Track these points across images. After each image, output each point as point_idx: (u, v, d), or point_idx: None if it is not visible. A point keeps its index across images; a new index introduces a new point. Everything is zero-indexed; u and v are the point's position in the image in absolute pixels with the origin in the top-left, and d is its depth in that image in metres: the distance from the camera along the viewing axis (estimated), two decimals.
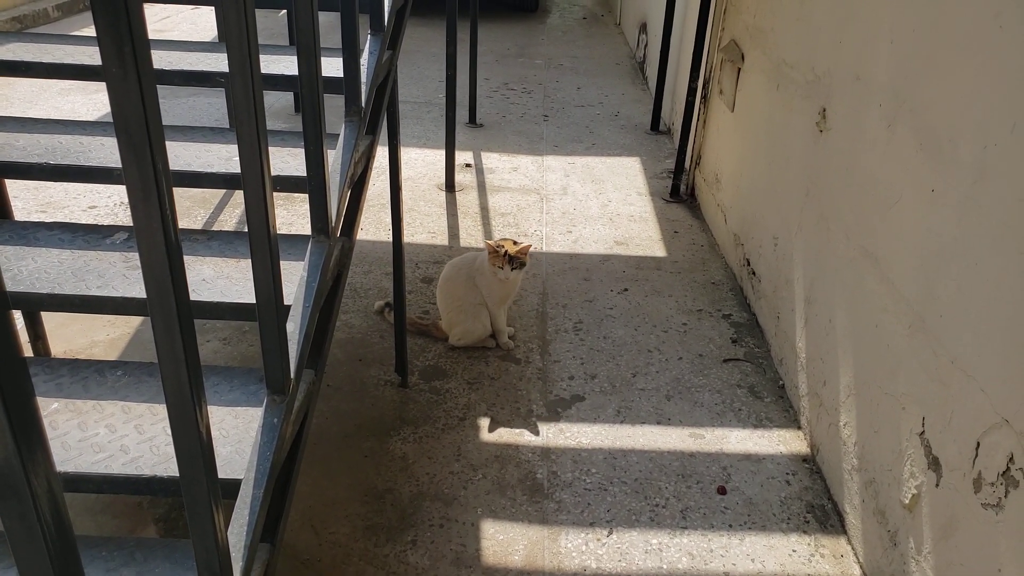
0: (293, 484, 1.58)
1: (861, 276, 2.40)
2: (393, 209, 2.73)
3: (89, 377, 1.60)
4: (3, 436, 0.66)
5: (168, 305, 0.91)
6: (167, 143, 1.87)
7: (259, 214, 1.26)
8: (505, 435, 2.71)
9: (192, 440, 1.05)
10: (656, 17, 6.24)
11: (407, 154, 5.05)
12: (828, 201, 2.69)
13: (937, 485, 1.91)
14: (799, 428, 2.82)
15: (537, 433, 2.72)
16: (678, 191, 4.71)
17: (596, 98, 6.47)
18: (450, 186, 4.61)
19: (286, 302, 1.61)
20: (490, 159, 5.10)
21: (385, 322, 3.27)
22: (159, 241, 0.87)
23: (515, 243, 3.00)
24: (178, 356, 0.96)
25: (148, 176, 0.84)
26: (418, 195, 4.51)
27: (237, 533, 1.31)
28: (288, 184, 1.90)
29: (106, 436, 1.45)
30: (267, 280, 1.39)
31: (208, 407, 1.56)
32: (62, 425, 1.47)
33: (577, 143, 5.47)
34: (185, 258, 1.80)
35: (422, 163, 4.95)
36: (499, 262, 2.94)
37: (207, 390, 1.60)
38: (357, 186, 2.12)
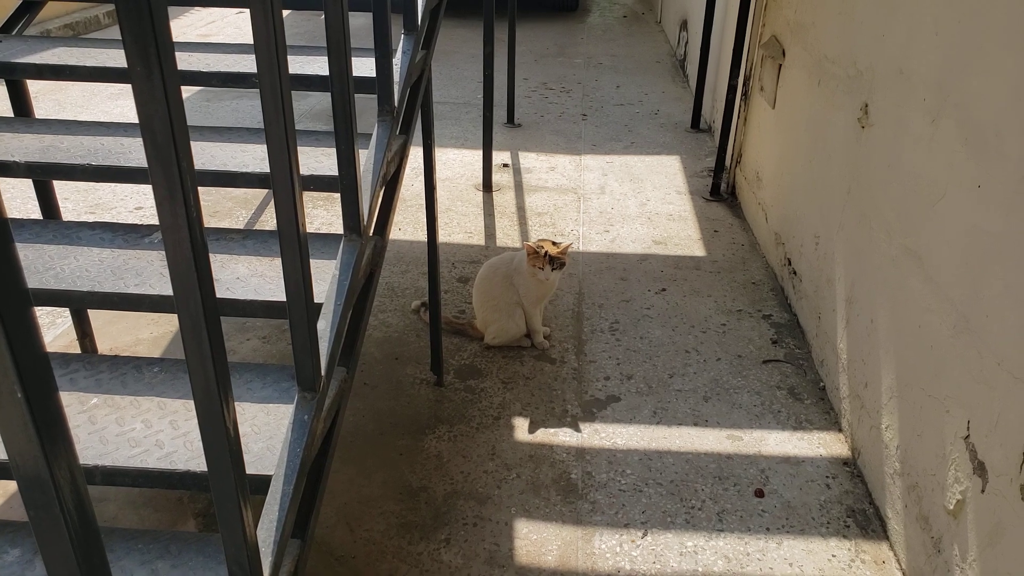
0: (324, 480, 1.59)
1: (904, 276, 2.34)
2: (428, 207, 2.73)
3: (128, 373, 1.62)
4: (26, 429, 0.67)
5: (194, 302, 0.92)
6: (205, 143, 1.89)
7: (288, 213, 1.27)
8: (540, 435, 2.70)
9: (219, 435, 1.06)
10: (697, 14, 6.18)
11: (445, 154, 5.07)
12: (869, 199, 2.64)
13: (983, 491, 1.85)
14: (840, 431, 2.76)
15: (572, 433, 2.71)
16: (718, 189, 4.66)
17: (636, 96, 6.42)
18: (487, 186, 4.62)
19: (318, 300, 1.62)
20: (527, 159, 5.09)
21: (421, 321, 3.28)
22: (184, 238, 0.88)
23: (554, 243, 2.98)
24: (204, 352, 0.96)
25: (173, 175, 0.84)
26: (455, 195, 4.52)
27: (267, 528, 1.32)
28: (321, 184, 1.90)
29: (142, 431, 1.48)
30: (297, 278, 1.40)
31: (240, 404, 1.59)
32: (101, 420, 1.50)
33: (615, 142, 5.43)
34: (220, 256, 1.83)
35: (459, 163, 4.97)
36: (539, 263, 2.92)
37: (241, 387, 1.63)
38: (390, 186, 2.12)
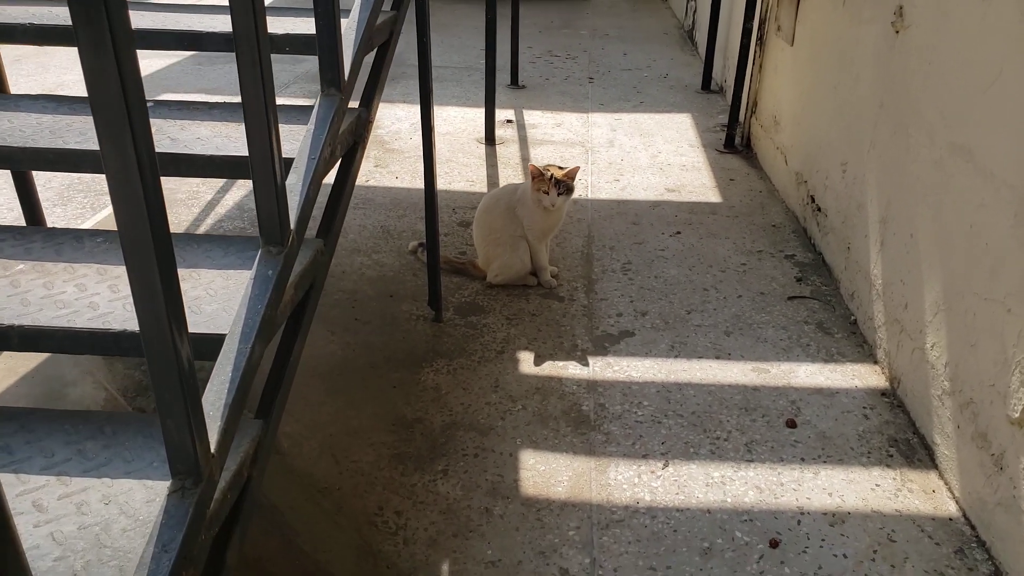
0: (294, 360, 1.36)
1: (949, 176, 2.10)
2: (425, 137, 2.50)
3: (65, 243, 1.40)
4: None
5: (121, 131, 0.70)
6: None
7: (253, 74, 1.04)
8: (548, 368, 2.46)
9: (149, 282, 0.84)
10: None
11: (446, 112, 4.85)
12: (907, 106, 2.40)
13: None
14: (875, 362, 2.52)
15: (582, 367, 2.47)
16: (732, 142, 4.42)
17: (644, 62, 6.19)
18: (490, 139, 4.39)
19: (288, 156, 1.39)
20: (532, 116, 4.86)
21: (419, 261, 3.05)
22: (114, 91, 0.66)
23: (560, 168, 2.75)
24: (127, 154, 0.75)
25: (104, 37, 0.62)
26: (456, 148, 4.29)
27: (216, 391, 1.09)
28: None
29: (74, 294, 1.25)
30: (262, 128, 1.17)
31: (196, 270, 1.36)
32: (24, 284, 1.27)
33: (624, 101, 5.20)
34: (180, 122, 1.60)
35: (461, 119, 4.74)
36: (544, 186, 2.69)
37: (199, 255, 1.39)
38: (343, 170, 1.76)
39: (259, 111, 1.17)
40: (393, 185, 3.78)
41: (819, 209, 3.19)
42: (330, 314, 2.71)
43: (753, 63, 4.24)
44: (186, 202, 3.51)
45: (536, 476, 2.04)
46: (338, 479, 2.01)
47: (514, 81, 5.45)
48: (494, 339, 2.61)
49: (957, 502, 1.97)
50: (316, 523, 1.87)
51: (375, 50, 1.97)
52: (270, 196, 1.22)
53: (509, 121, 4.74)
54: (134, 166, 0.81)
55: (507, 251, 2.84)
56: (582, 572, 1.77)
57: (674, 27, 7.55)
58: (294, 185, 1.33)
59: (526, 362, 2.50)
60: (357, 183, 3.76)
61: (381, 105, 4.89)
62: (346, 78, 1.51)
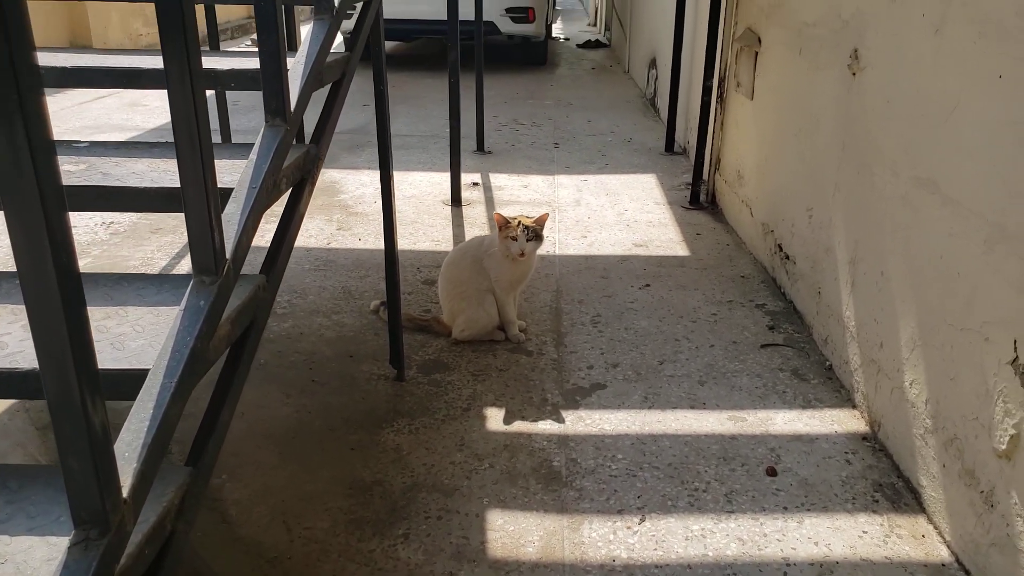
0: (231, 403, 1.25)
1: (916, 209, 2.06)
2: (384, 191, 2.44)
3: None
4: None
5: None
6: None
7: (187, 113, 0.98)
8: (516, 424, 2.35)
9: (45, 303, 0.76)
10: (665, 46, 6.05)
11: (411, 176, 4.82)
12: (868, 145, 2.38)
13: None
14: (854, 407, 2.43)
15: (553, 422, 2.36)
16: (697, 198, 4.41)
17: (608, 128, 6.25)
18: (456, 201, 4.35)
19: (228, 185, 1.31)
20: (499, 179, 4.84)
21: (380, 320, 2.94)
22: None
23: (528, 217, 2.69)
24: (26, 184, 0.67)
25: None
26: (422, 209, 4.24)
27: (134, 430, 0.98)
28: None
29: None
30: (192, 150, 1.09)
31: (123, 308, 1.25)
32: None
33: (589, 164, 5.21)
34: (116, 159, 1.52)
35: (427, 183, 4.70)
36: (513, 232, 2.61)
37: (130, 294, 1.29)
38: (290, 206, 1.60)
39: (190, 134, 1.09)
40: (356, 247, 3.70)
41: (787, 257, 3.16)
42: (286, 376, 2.58)
43: (715, 120, 4.27)
44: (139, 268, 3.40)
45: (505, 537, 1.91)
46: (289, 547, 1.86)
47: (480, 147, 5.45)
48: (459, 396, 2.50)
49: (948, 546, 1.86)
50: None
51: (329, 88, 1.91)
52: (202, 222, 1.13)
53: (475, 184, 4.71)
54: (35, 199, 0.74)
55: (473, 305, 2.75)
56: None
57: (636, 96, 7.67)
58: (232, 215, 1.25)
59: (493, 419, 2.38)
60: (318, 245, 3.70)
61: (345, 171, 4.86)
62: (292, 110, 1.44)
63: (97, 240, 3.69)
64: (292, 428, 2.32)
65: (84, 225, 3.86)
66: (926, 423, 1.99)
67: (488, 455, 2.21)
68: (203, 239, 1.13)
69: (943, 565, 1.82)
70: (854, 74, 2.51)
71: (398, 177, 4.73)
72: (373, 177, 4.74)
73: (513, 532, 1.93)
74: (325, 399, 2.47)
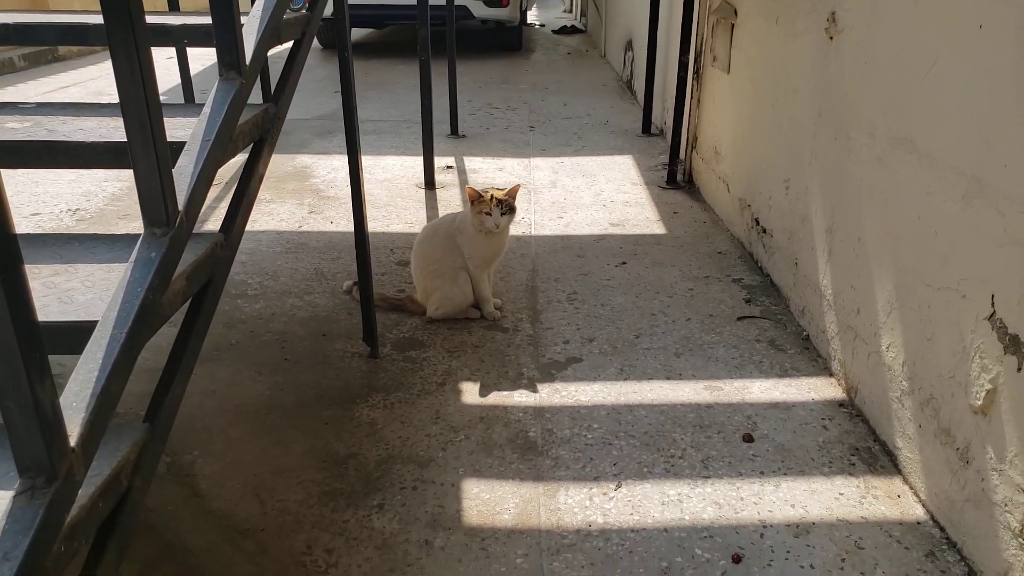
0: (188, 362, 1.21)
1: (894, 170, 2.05)
2: (351, 167, 2.39)
3: None
4: None
5: None
6: None
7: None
8: (492, 397, 2.32)
9: None
10: (641, 26, 6.04)
11: (384, 160, 4.77)
12: (845, 110, 2.37)
13: (1020, 368, 1.52)
14: (831, 375, 2.43)
15: (529, 394, 2.33)
16: (675, 178, 4.40)
17: (584, 112, 6.23)
18: (430, 184, 4.30)
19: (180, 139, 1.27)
20: (473, 162, 4.80)
21: (353, 300, 2.90)
22: None
23: (499, 189, 2.65)
24: None
25: None
26: (395, 192, 4.19)
27: (83, 379, 0.94)
28: None
29: None
30: (138, 98, 1.05)
31: (74, 265, 1.21)
32: None
33: (565, 147, 5.19)
34: (64, 117, 1.47)
35: (400, 167, 4.66)
36: (486, 207, 2.57)
37: (83, 252, 1.25)
38: (248, 166, 1.55)
39: (134, 86, 1.05)
40: (327, 229, 3.65)
41: (764, 231, 3.15)
42: (258, 355, 2.54)
43: (691, 97, 4.25)
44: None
45: (480, 505, 1.88)
46: (262, 520, 1.83)
47: (454, 131, 5.41)
48: (434, 372, 2.46)
49: (924, 505, 1.86)
50: (236, 566, 1.68)
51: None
52: (151, 172, 1.09)
53: (449, 167, 4.67)
54: None
55: (447, 283, 2.72)
56: None
57: (613, 79, 7.65)
58: (185, 167, 1.21)
59: (469, 392, 2.35)
60: (290, 229, 3.65)
61: (316, 156, 4.80)
62: (248, 62, 1.40)
63: (62, 227, 3.61)
64: (264, 404, 2.27)
65: (49, 212, 3.78)
66: (903, 385, 1.98)
67: (464, 427, 2.18)
68: (152, 190, 1.09)
69: (918, 523, 1.81)
70: (831, 38, 2.50)
71: (371, 161, 4.69)
72: (344, 162, 4.64)
73: (489, 500, 1.90)
74: (298, 377, 2.43)
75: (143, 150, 1.08)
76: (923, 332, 1.89)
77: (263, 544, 1.75)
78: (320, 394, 2.34)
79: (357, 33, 10.57)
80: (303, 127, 5.53)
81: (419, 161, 4.47)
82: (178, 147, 1.24)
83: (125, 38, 1.04)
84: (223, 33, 1.33)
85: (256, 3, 1.53)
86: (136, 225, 3.55)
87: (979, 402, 1.64)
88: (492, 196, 2.57)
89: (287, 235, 3.57)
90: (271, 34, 1.51)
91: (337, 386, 2.38)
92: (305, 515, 1.84)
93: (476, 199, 2.60)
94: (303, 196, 4.11)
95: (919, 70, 1.93)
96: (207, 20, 1.51)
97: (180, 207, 1.14)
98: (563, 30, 11.72)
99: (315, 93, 6.66)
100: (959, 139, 1.75)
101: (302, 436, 2.14)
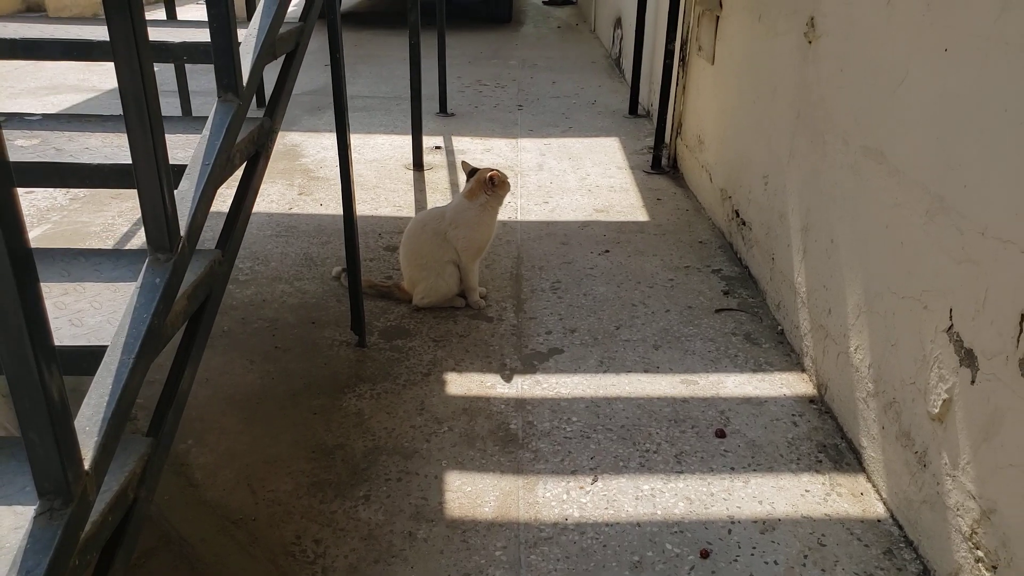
0: (189, 376, 1.28)
1: (865, 179, 2.13)
2: (341, 160, 2.44)
3: None
4: None
5: None
6: None
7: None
8: (475, 388, 2.40)
9: (2, 280, 0.77)
10: (630, 8, 6.05)
11: (373, 139, 4.80)
12: (822, 114, 2.44)
13: (973, 381, 1.61)
14: (803, 371, 2.52)
15: (511, 386, 2.42)
16: (659, 163, 4.46)
17: (572, 90, 6.25)
18: (418, 165, 4.35)
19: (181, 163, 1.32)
20: (461, 142, 4.84)
21: (342, 287, 2.96)
22: None
23: (492, 169, 2.81)
24: None
25: None
26: (384, 174, 4.24)
27: (94, 404, 1.01)
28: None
29: None
30: (143, 127, 1.11)
31: (81, 284, 1.27)
32: None
33: (553, 127, 5.22)
34: (69, 134, 1.52)
35: (389, 147, 4.69)
36: (487, 189, 2.76)
37: (87, 269, 1.31)
38: (244, 180, 1.60)
39: (140, 113, 1.10)
40: (317, 212, 3.70)
41: (743, 223, 3.22)
42: (249, 343, 2.61)
43: (676, 84, 4.30)
44: (99, 235, 3.38)
45: (462, 497, 1.97)
46: (254, 509, 1.91)
47: (443, 109, 5.43)
48: (420, 362, 2.54)
49: (885, 503, 1.96)
50: (228, 555, 1.77)
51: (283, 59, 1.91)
52: (156, 200, 1.15)
53: (438, 147, 4.71)
54: None
55: (432, 275, 2.79)
56: None
57: (602, 56, 7.66)
58: (186, 191, 1.27)
59: (453, 383, 2.43)
60: (280, 211, 3.69)
61: (306, 134, 4.82)
62: (245, 84, 1.45)
63: (56, 206, 3.64)
64: (256, 394, 2.35)
65: (43, 191, 3.80)
66: (868, 387, 2.08)
67: (447, 419, 2.27)
68: (157, 217, 1.15)
69: (879, 521, 1.92)
70: (810, 42, 2.56)
71: (360, 140, 4.72)
72: (334, 141, 4.71)
73: (470, 493, 1.99)
74: (288, 365, 2.50)
75: (148, 179, 1.14)
76: (888, 337, 1.98)
77: (255, 534, 1.84)
78: (309, 383, 2.41)
79: (348, 2, 10.47)
80: (293, 102, 5.52)
81: (408, 140, 4.50)
82: (179, 169, 1.30)
83: (131, 60, 1.09)
84: (222, 56, 1.38)
85: (253, 21, 1.57)
86: (128, 206, 3.59)
87: (936, 410, 1.73)
88: (491, 177, 2.78)
89: (277, 217, 3.62)
90: (267, 53, 1.55)
91: (326, 375, 2.46)
92: (295, 505, 1.93)
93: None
94: (293, 176, 4.14)
95: (890, 84, 1.99)
96: (207, 36, 1.55)
97: (182, 232, 1.20)
98: (554, 1, 11.64)
99: (305, 66, 6.58)
100: (925, 156, 1.82)
101: (292, 426, 2.22)
